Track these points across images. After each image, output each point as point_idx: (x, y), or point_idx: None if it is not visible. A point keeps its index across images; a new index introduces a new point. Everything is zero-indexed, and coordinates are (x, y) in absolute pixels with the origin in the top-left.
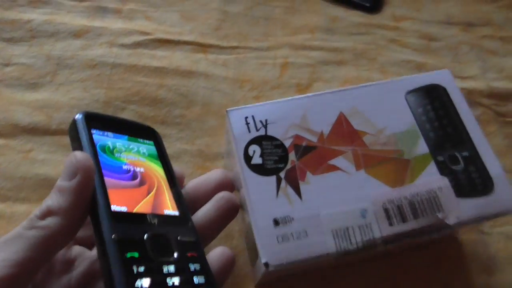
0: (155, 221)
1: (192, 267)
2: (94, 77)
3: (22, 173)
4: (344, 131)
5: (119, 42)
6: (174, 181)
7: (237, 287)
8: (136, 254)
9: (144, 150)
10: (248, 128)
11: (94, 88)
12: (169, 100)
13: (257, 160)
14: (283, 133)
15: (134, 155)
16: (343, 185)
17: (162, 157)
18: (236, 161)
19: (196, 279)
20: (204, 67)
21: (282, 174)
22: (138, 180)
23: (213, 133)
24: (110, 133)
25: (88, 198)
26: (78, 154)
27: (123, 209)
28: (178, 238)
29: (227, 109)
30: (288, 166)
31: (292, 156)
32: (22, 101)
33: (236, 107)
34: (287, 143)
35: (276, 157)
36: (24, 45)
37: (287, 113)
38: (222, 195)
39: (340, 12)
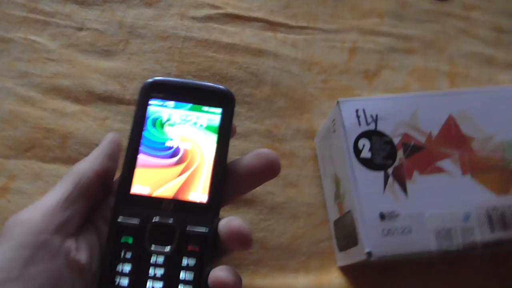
0: (171, 206)
1: (185, 261)
2: (166, 49)
3: (98, 140)
4: (452, 134)
5: (190, 14)
6: (222, 159)
7: (321, 266)
8: (130, 240)
9: (204, 121)
10: (359, 121)
11: (166, 60)
12: (239, 78)
13: (366, 154)
14: (393, 130)
15: (188, 127)
16: (449, 188)
17: (223, 128)
18: (342, 151)
19: (183, 274)
20: (274, 47)
21: (390, 171)
22: (177, 157)
23: (281, 114)
24: (172, 102)
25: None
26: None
27: (144, 190)
28: (187, 228)
29: (339, 99)
30: (396, 163)
31: (400, 153)
32: (96, 68)
33: (347, 98)
34: (396, 141)
35: (385, 153)
36: (97, 9)
37: (397, 110)
38: (263, 150)
39: None
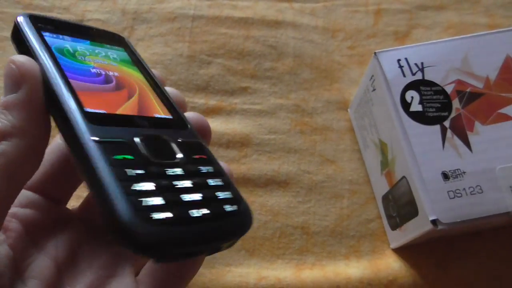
0: (146, 123)
1: (204, 169)
2: (175, 30)
3: None
4: None
5: None
6: (159, 86)
7: (374, 250)
8: (128, 156)
9: (114, 56)
10: (403, 71)
11: (176, 42)
12: (257, 52)
13: (416, 107)
14: (443, 78)
15: (103, 60)
16: None
17: (138, 63)
18: (388, 109)
19: (211, 181)
20: (291, 17)
21: (446, 123)
22: (113, 83)
23: (308, 86)
24: (67, 37)
25: (42, 108)
26: (18, 58)
27: (101, 111)
28: (179, 140)
29: (376, 51)
30: (453, 114)
31: (456, 103)
32: None
33: (385, 49)
34: (449, 89)
35: (438, 104)
36: (96, 0)
37: (445, 56)
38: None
39: None
